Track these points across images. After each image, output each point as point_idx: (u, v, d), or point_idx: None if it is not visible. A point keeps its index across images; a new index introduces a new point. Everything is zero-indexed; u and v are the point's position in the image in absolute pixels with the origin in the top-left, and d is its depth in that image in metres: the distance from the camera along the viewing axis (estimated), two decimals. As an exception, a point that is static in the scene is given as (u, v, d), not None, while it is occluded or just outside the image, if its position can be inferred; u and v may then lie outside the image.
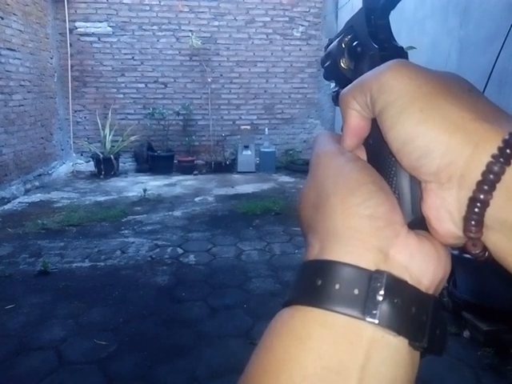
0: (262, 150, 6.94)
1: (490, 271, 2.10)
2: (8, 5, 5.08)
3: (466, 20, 3.51)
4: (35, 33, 5.91)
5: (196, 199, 5.15)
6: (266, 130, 7.22)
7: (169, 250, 3.49)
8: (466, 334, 2.20)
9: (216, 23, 7.01)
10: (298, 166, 6.74)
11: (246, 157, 6.84)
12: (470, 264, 2.15)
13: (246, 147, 6.83)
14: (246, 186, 5.84)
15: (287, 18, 7.16)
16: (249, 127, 6.99)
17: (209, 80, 7.01)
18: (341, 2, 6.79)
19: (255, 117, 7.38)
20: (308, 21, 7.23)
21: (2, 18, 4.96)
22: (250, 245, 3.61)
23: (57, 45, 6.68)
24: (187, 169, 6.75)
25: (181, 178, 6.45)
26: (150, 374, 1.95)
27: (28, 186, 5.48)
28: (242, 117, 7.34)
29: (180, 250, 3.47)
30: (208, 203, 4.96)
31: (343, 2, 6.58)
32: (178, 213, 4.54)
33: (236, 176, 6.63)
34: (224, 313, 2.51)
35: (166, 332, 2.30)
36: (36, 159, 5.87)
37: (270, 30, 7.15)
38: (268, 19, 7.11)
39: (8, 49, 5.10)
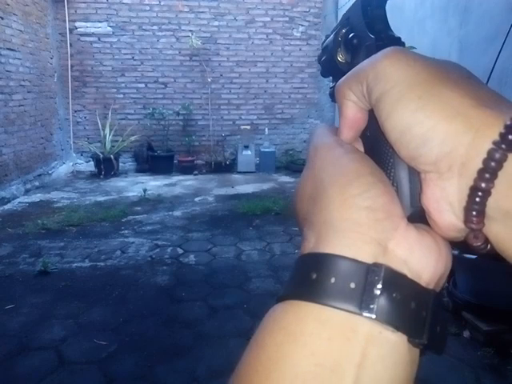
0: (262, 150, 6.94)
1: (490, 271, 2.10)
2: (8, 5, 5.08)
3: (466, 20, 3.50)
4: (35, 33, 5.91)
5: (196, 199, 5.15)
6: (266, 130, 7.22)
7: (169, 250, 3.48)
8: (466, 333, 2.20)
9: (216, 23, 7.01)
10: (298, 166, 6.73)
11: (246, 157, 6.83)
12: (470, 264, 2.15)
13: (246, 147, 6.83)
14: (245, 186, 5.84)
15: (287, 18, 7.16)
16: (249, 127, 6.99)
17: (209, 80, 7.01)
18: (341, 2, 6.78)
19: (255, 117, 7.37)
20: (308, 21, 7.22)
21: (2, 18, 4.96)
22: (250, 245, 3.61)
23: (57, 45, 6.68)
24: (187, 169, 6.75)
25: (181, 177, 6.45)
26: (150, 374, 1.95)
27: (28, 186, 5.48)
28: (242, 117, 7.34)
29: (180, 250, 3.47)
30: (208, 203, 4.96)
31: (343, 1, 6.57)
32: (177, 213, 4.54)
33: (236, 176, 6.63)
34: (224, 313, 2.51)
35: (165, 332, 2.29)
36: (36, 159, 5.87)
37: (270, 30, 7.15)
38: (268, 19, 7.11)
39: (8, 49, 5.10)
